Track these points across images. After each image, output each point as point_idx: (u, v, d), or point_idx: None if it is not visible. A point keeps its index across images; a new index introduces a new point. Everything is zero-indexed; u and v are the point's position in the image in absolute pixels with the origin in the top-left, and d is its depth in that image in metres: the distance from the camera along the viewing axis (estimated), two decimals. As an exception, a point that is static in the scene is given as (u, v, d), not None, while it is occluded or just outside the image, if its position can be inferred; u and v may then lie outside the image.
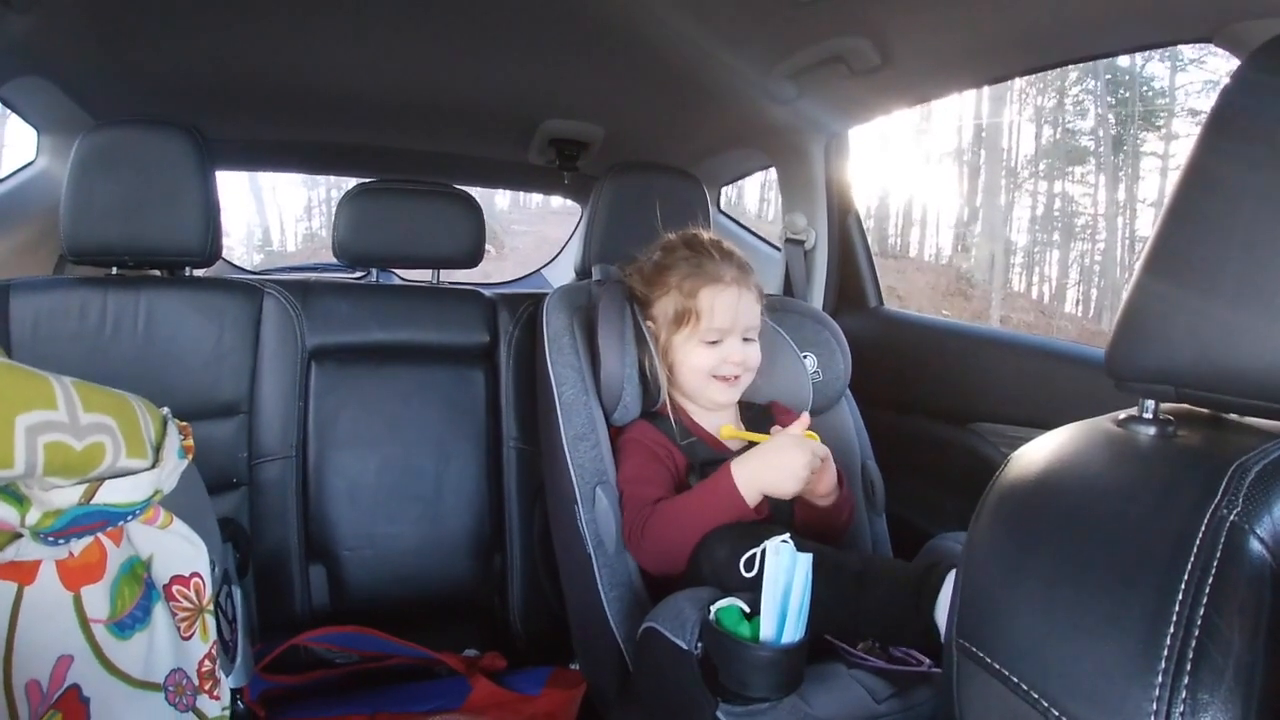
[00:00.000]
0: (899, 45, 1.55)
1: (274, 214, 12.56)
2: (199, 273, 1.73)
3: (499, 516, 1.85)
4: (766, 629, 1.01)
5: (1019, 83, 10.88)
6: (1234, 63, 0.99)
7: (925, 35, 1.51)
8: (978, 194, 11.97)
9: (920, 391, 1.89)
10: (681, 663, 1.08)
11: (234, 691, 1.06)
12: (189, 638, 0.88)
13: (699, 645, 1.07)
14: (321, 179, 10.25)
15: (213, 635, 0.91)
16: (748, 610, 1.05)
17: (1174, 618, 0.52)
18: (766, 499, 1.29)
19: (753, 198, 10.47)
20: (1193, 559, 0.53)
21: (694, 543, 1.21)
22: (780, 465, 1.22)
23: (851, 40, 1.57)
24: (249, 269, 3.45)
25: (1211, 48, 1.21)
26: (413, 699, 1.54)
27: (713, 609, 1.06)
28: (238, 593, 1.14)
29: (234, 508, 1.67)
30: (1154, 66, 10.63)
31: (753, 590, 1.04)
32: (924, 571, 1.09)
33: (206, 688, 0.90)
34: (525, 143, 2.55)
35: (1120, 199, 11.07)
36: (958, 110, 11.77)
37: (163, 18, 1.70)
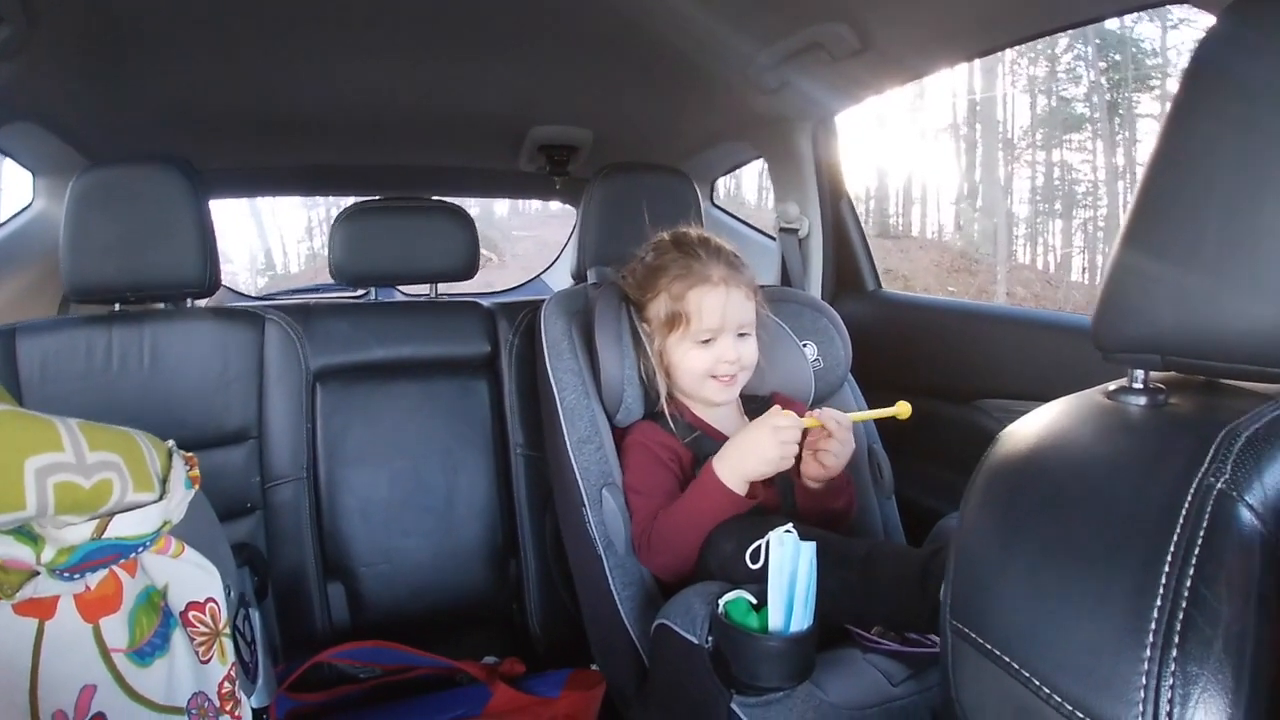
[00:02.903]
0: (878, 28, 1.55)
1: (275, 237, 12.57)
2: (201, 303, 1.75)
3: (511, 523, 1.87)
4: (774, 619, 1.02)
5: (1010, 54, 10.79)
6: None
7: (904, 16, 1.50)
8: (976, 168, 11.91)
9: (923, 372, 1.89)
10: (694, 657, 1.09)
11: (258, 711, 1.07)
12: (208, 661, 0.90)
13: (710, 639, 1.08)
14: (320, 199, 10.26)
15: (231, 657, 0.93)
16: (755, 602, 1.06)
17: (1160, 590, 0.52)
18: (773, 488, 1.31)
19: (751, 186, 10.45)
20: (1179, 530, 0.53)
21: (699, 544, 1.22)
22: (749, 450, 1.23)
23: (830, 26, 1.57)
24: (253, 294, 3.47)
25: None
26: (435, 709, 1.56)
27: (721, 602, 1.07)
28: (255, 615, 1.15)
29: (249, 532, 1.68)
30: (1144, 28, 10.53)
31: (759, 582, 1.05)
32: (930, 555, 1.09)
33: (228, 709, 0.91)
34: (515, 151, 2.56)
35: (1119, 163, 10.98)
36: (951, 85, 11.71)
37: (147, 55, 1.71)
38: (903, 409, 1.26)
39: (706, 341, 1.34)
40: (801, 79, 1.82)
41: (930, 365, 1.87)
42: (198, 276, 1.61)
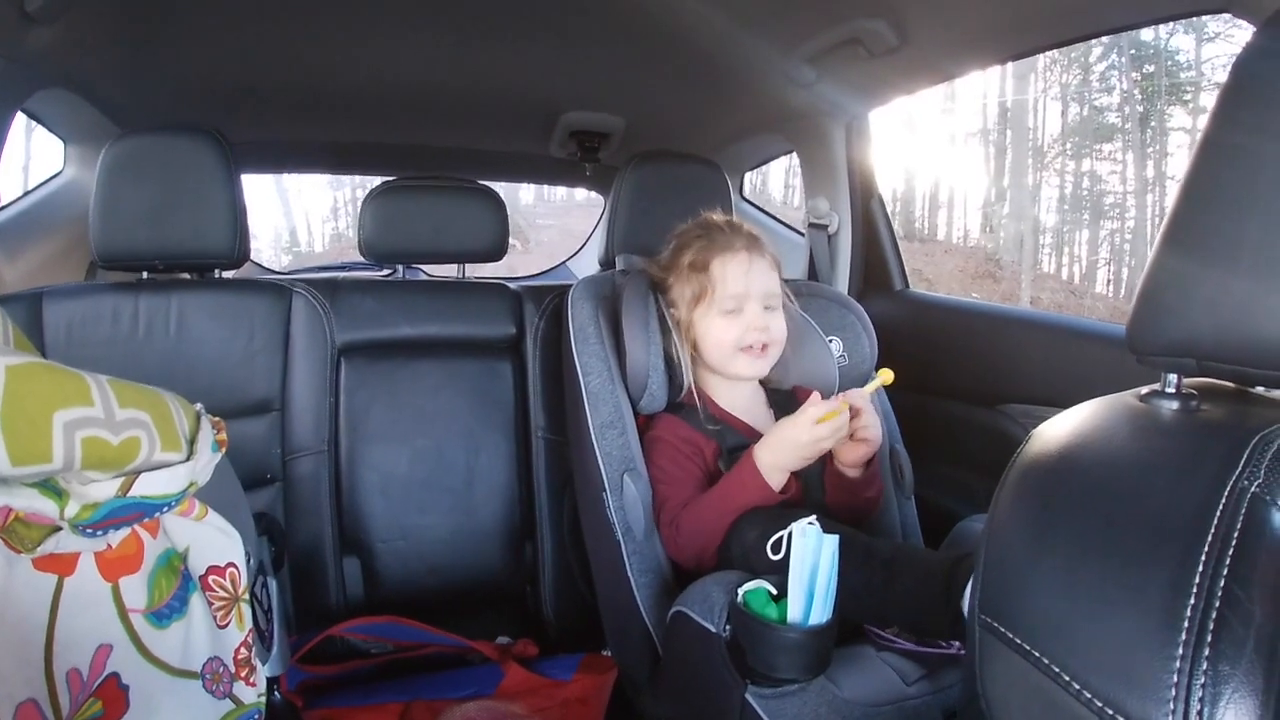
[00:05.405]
0: (916, 25, 1.54)
1: (300, 216, 12.63)
2: (228, 274, 1.75)
3: (529, 506, 1.87)
4: (794, 611, 1.01)
5: (1043, 60, 10.73)
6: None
7: (942, 14, 1.50)
8: (1005, 174, 11.82)
9: (948, 373, 1.87)
10: (710, 645, 1.09)
11: (271, 681, 1.07)
12: (225, 626, 0.90)
13: (727, 628, 1.08)
14: (346, 180, 10.33)
15: (248, 624, 0.93)
16: (775, 593, 1.06)
17: (1194, 589, 0.51)
18: (798, 480, 1.30)
19: (777, 183, 10.41)
20: (1213, 531, 0.52)
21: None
22: (786, 439, 1.23)
23: (868, 22, 1.57)
24: (278, 270, 3.49)
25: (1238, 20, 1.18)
26: (447, 686, 1.57)
27: (740, 591, 1.07)
28: (273, 584, 1.15)
29: (269, 503, 1.69)
30: (1179, 40, 10.40)
31: (780, 573, 1.05)
32: (954, 562, 1.08)
33: (243, 675, 0.91)
34: (546, 135, 2.57)
35: (1149, 176, 10.87)
36: (982, 90, 11.63)
37: (183, 24, 1.72)
38: (885, 375, 1.26)
39: (733, 312, 1.34)
40: (837, 75, 1.82)
41: (956, 367, 1.85)
42: (227, 247, 1.61)
